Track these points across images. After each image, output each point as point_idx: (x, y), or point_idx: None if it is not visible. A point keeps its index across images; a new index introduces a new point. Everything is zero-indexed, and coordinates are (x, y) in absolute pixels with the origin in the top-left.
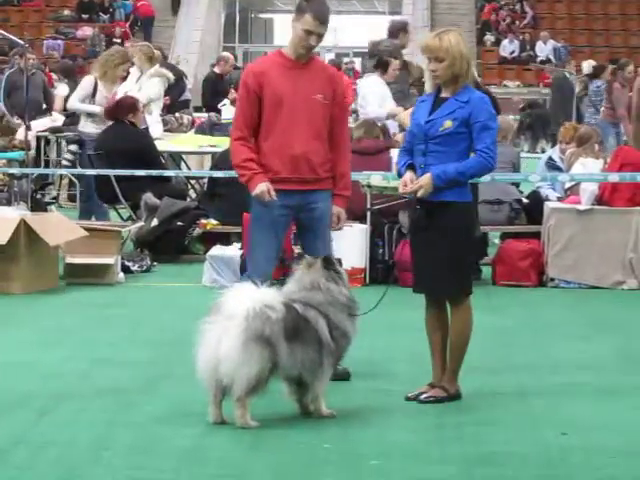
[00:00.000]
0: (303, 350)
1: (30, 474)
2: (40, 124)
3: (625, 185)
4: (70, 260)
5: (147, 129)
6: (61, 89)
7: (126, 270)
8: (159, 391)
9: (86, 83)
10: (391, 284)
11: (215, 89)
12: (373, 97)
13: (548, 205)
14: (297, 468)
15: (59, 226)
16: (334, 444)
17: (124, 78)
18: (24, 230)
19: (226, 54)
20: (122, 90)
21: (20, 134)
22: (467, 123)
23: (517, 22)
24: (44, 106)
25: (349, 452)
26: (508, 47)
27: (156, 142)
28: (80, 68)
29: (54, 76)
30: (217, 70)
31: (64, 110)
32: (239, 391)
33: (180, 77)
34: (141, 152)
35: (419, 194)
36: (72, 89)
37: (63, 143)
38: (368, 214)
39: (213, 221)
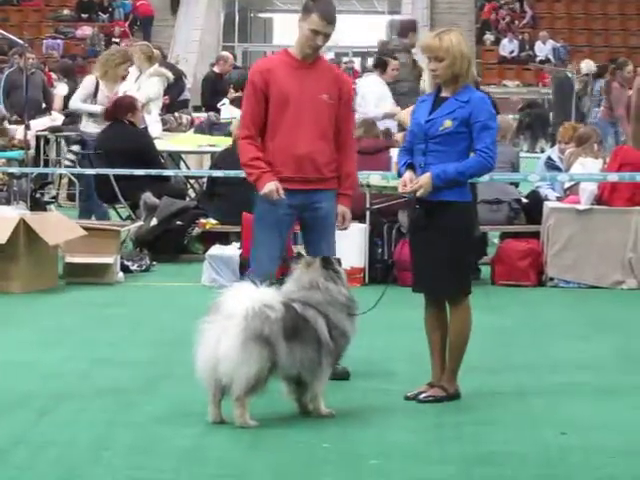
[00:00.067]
0: (302, 349)
1: (30, 474)
2: (39, 123)
3: (624, 185)
4: (69, 259)
5: (146, 128)
6: (60, 89)
7: (125, 269)
8: (159, 391)
9: (87, 83)
10: (390, 284)
11: (214, 89)
12: (371, 97)
13: (547, 205)
14: (296, 468)
15: (58, 225)
16: (333, 443)
17: (124, 77)
18: (23, 229)
19: (225, 53)
20: (121, 90)
21: (19, 133)
22: (467, 123)
23: (516, 22)
24: (43, 105)
25: (348, 452)
26: (507, 47)
27: (155, 141)
28: (79, 68)
29: (53, 76)
30: (216, 70)
31: (63, 110)
32: (238, 390)
33: (179, 76)
34: (140, 152)
35: (418, 194)
36: (71, 89)
37: (62, 142)
38: (367, 213)
39: (212, 220)
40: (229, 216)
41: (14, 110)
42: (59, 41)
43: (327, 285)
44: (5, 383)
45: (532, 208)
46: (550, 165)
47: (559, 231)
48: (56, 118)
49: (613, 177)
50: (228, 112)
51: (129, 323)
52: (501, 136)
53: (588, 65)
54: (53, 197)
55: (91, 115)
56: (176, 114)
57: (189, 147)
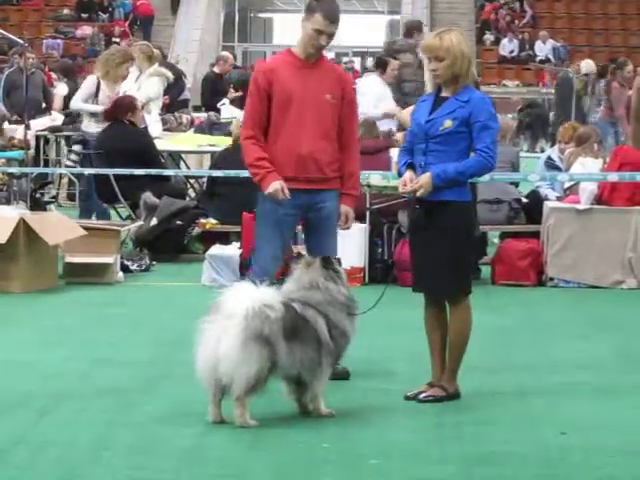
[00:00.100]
0: (302, 349)
1: (30, 474)
2: (39, 123)
3: (624, 185)
4: (69, 259)
5: (146, 128)
6: (60, 88)
7: (125, 269)
8: (159, 391)
9: (89, 83)
10: (390, 283)
11: (214, 88)
12: (370, 97)
13: (547, 205)
14: (296, 467)
15: (58, 225)
16: (333, 443)
17: (125, 77)
18: (23, 229)
19: (225, 53)
20: (121, 89)
21: (19, 133)
22: (467, 122)
23: (516, 21)
24: (43, 105)
25: (348, 451)
26: (507, 46)
27: (155, 141)
28: (79, 67)
29: (53, 75)
30: (216, 69)
31: (63, 109)
32: (238, 390)
33: (179, 76)
34: (140, 151)
35: (419, 193)
36: (71, 88)
37: (62, 142)
38: (367, 213)
39: (212, 220)
40: (229, 216)
41: (14, 110)
42: (59, 41)
43: (327, 285)
44: (5, 383)
45: (532, 208)
46: (550, 165)
47: (559, 231)
48: (56, 118)
49: (613, 177)
50: (228, 112)
51: (129, 323)
52: (501, 136)
53: (588, 65)
54: (53, 197)
55: (93, 115)
56: (176, 114)
57: (189, 147)
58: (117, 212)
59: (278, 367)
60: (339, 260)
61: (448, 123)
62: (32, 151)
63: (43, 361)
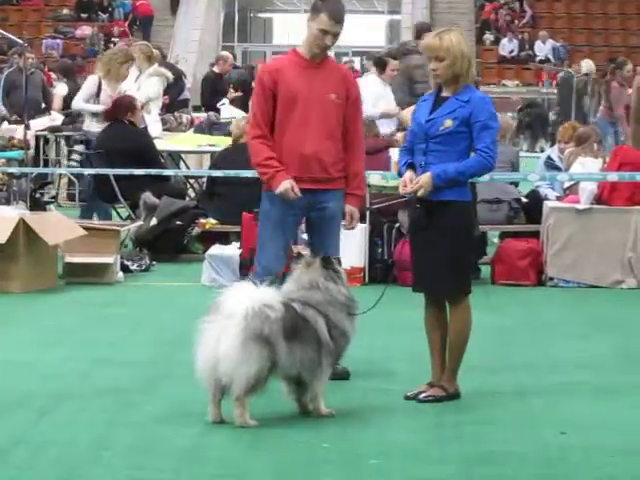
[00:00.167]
0: (302, 349)
1: (30, 474)
2: (39, 123)
3: (624, 184)
4: (69, 259)
5: (146, 128)
6: (60, 88)
7: (125, 269)
8: (159, 391)
9: (90, 83)
10: (390, 283)
11: (214, 88)
12: (369, 97)
13: (547, 204)
14: (296, 467)
15: (58, 225)
16: (333, 443)
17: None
18: (23, 229)
19: (225, 53)
20: (121, 89)
21: (19, 133)
22: (467, 122)
23: (516, 21)
24: (43, 105)
25: (348, 451)
26: (507, 46)
27: (155, 141)
28: (79, 67)
29: (53, 75)
30: (216, 69)
31: (63, 109)
32: (238, 390)
33: (179, 76)
34: (140, 151)
35: (419, 193)
36: (71, 88)
37: (62, 142)
38: (367, 213)
39: (212, 220)
40: (229, 216)
41: (14, 110)
42: (58, 41)
43: (327, 285)
44: (5, 383)
45: (532, 208)
46: (550, 165)
47: (559, 231)
48: (56, 118)
49: (613, 177)
50: (228, 112)
51: (129, 323)
52: (501, 136)
53: (588, 64)
54: (53, 197)
55: (94, 115)
56: (176, 114)
57: (189, 147)
58: (117, 212)
59: (278, 367)
60: (339, 260)
61: (448, 123)
62: (32, 151)
63: (43, 361)
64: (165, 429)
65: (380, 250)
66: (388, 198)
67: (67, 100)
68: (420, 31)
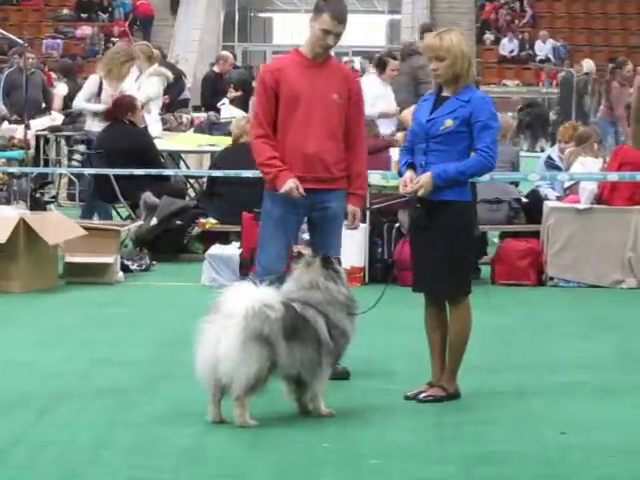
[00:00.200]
0: (302, 349)
1: (30, 474)
2: (39, 123)
3: (624, 184)
4: (69, 259)
5: (146, 128)
6: (60, 88)
7: (125, 269)
8: (159, 391)
9: (91, 82)
10: (390, 283)
11: (214, 88)
12: (368, 96)
13: (547, 204)
14: (296, 467)
15: (58, 225)
16: (333, 443)
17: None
18: (23, 229)
19: (225, 53)
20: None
21: (19, 133)
22: (468, 122)
23: (516, 21)
24: (43, 105)
25: (348, 451)
26: (507, 46)
27: (155, 141)
28: (79, 67)
29: (53, 75)
30: (216, 69)
31: (63, 109)
32: (238, 390)
33: (179, 76)
34: (140, 151)
35: (419, 193)
36: (71, 88)
37: (62, 142)
38: (367, 213)
39: (212, 220)
40: (229, 216)
41: (14, 110)
42: (59, 41)
43: (327, 285)
44: (5, 383)
45: (532, 207)
46: (550, 164)
47: (559, 230)
48: (56, 118)
49: (613, 176)
50: (228, 112)
51: (129, 323)
52: (501, 135)
53: (588, 64)
54: (53, 197)
55: (96, 115)
56: (176, 113)
57: (189, 147)
58: (117, 212)
59: (278, 367)
60: (339, 260)
61: (449, 123)
62: (32, 151)
63: (43, 361)
64: (165, 429)
65: (380, 250)
66: (388, 198)
67: (67, 100)
68: (425, 31)
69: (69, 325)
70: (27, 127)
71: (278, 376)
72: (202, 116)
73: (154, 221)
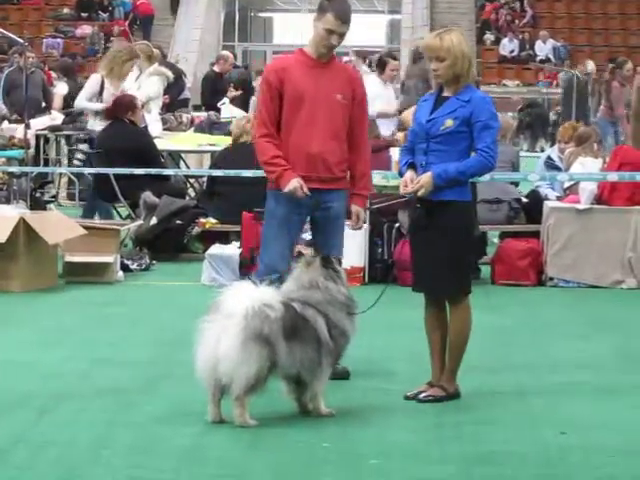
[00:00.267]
0: (302, 349)
1: (30, 474)
2: (39, 122)
3: (624, 184)
4: (69, 258)
5: (146, 127)
6: (60, 87)
7: (125, 269)
8: (159, 391)
9: (92, 82)
10: (390, 283)
11: (214, 88)
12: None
13: (547, 204)
14: (296, 467)
15: (58, 224)
16: (333, 443)
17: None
18: (23, 228)
19: (225, 53)
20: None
21: (19, 132)
22: (468, 122)
23: (517, 21)
24: (43, 104)
25: (348, 451)
26: (508, 46)
27: (155, 141)
28: (79, 67)
29: (53, 74)
30: (216, 69)
31: (63, 108)
32: (238, 390)
33: (179, 76)
34: (140, 150)
35: (419, 193)
36: (71, 88)
37: (62, 142)
38: (367, 213)
39: (212, 220)
40: (229, 215)
41: (14, 109)
42: (59, 40)
43: (327, 284)
44: (5, 383)
45: (532, 208)
46: (550, 165)
47: (559, 231)
48: (56, 117)
49: (613, 177)
50: (228, 111)
51: (129, 322)
52: (501, 135)
53: (591, 65)
54: (53, 196)
55: (97, 114)
56: (176, 113)
57: (189, 146)
58: (117, 211)
59: (278, 367)
60: (339, 260)
61: (449, 123)
62: (32, 150)
63: (43, 361)
64: (165, 429)
65: (380, 250)
66: (388, 198)
67: (67, 99)
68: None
69: (69, 325)
70: (27, 126)
71: (278, 376)
72: (202, 116)
73: (154, 221)
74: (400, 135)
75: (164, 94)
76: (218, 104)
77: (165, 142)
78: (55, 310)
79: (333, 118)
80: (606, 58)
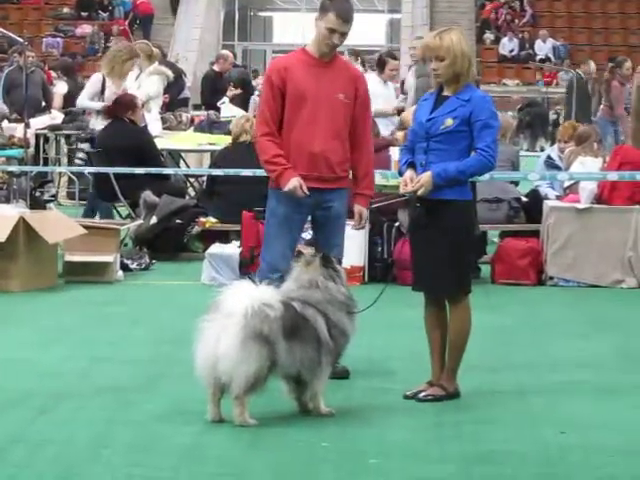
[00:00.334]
0: (302, 348)
1: (28, 472)
2: (39, 122)
3: (624, 184)
4: (69, 258)
5: (146, 127)
6: (60, 87)
7: (125, 268)
8: (158, 389)
9: (94, 81)
10: (390, 282)
11: (214, 87)
12: None
13: (547, 204)
14: (296, 466)
15: (58, 224)
16: (333, 442)
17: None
18: (23, 228)
19: (225, 52)
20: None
21: (19, 132)
22: (468, 121)
23: (516, 20)
24: (43, 104)
25: (348, 450)
26: (507, 45)
27: (155, 140)
28: (79, 66)
29: (53, 74)
30: (216, 68)
31: (63, 108)
32: (238, 389)
33: (179, 75)
34: (140, 150)
35: (419, 192)
36: (71, 87)
37: (62, 141)
38: (367, 212)
39: (212, 219)
40: (229, 214)
41: (14, 108)
42: (59, 39)
43: (327, 284)
44: (4, 381)
45: (532, 207)
46: (550, 164)
47: (559, 230)
48: (56, 116)
49: (613, 176)
50: (228, 110)
51: (129, 322)
52: (501, 135)
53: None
54: (53, 195)
55: (99, 113)
56: (176, 112)
57: (189, 145)
58: (117, 211)
59: (278, 366)
60: (339, 259)
61: (449, 122)
62: (32, 149)
63: (42, 360)
64: (164, 427)
65: (380, 249)
66: (388, 197)
67: (67, 98)
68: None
69: (69, 324)
70: (27, 126)
71: (278, 375)
72: (202, 115)
73: (154, 220)
74: (400, 134)
75: (164, 93)
76: (218, 103)
77: (165, 141)
78: (55, 309)
79: (335, 117)
80: (606, 57)
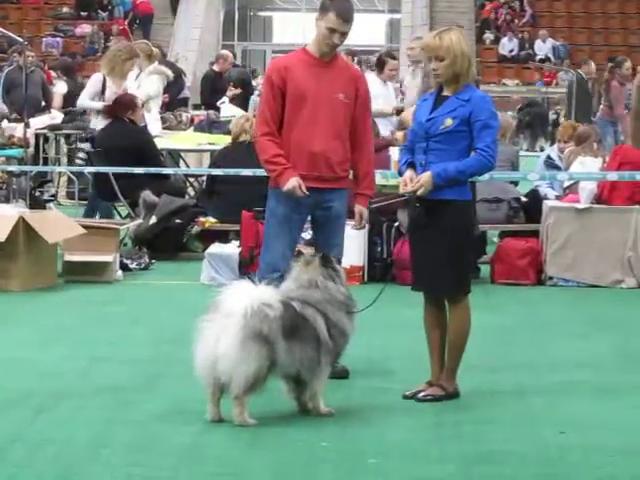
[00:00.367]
0: (301, 348)
1: (28, 472)
2: (39, 122)
3: (624, 184)
4: (69, 258)
5: (146, 126)
6: (60, 87)
7: (124, 268)
8: (158, 389)
9: (94, 81)
10: (389, 282)
11: (214, 87)
12: None
13: (547, 204)
14: (295, 466)
15: (58, 223)
16: (332, 442)
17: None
18: (23, 227)
19: (225, 52)
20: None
21: (19, 131)
22: (468, 121)
23: (516, 20)
24: (43, 103)
25: (347, 450)
26: (507, 45)
27: (155, 140)
28: (79, 66)
29: (53, 74)
30: (216, 68)
31: (63, 107)
32: (237, 389)
33: (179, 75)
34: (140, 149)
35: (419, 192)
36: (71, 87)
37: (62, 141)
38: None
39: (211, 219)
40: (228, 214)
41: (13, 108)
42: (58, 39)
43: (326, 284)
44: (4, 381)
45: (531, 207)
46: (549, 164)
47: (558, 230)
48: (55, 116)
49: (613, 176)
50: (228, 110)
51: (128, 321)
52: (501, 135)
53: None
54: (52, 195)
55: (99, 112)
56: (175, 112)
57: (189, 145)
58: (116, 210)
59: (277, 366)
60: (338, 259)
61: (448, 122)
62: (31, 149)
63: (42, 359)
64: (164, 427)
65: (379, 249)
66: (387, 197)
67: (67, 98)
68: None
69: (68, 323)
70: (27, 125)
71: (277, 375)
72: (202, 115)
73: (153, 220)
74: (399, 134)
75: (164, 93)
76: (217, 103)
77: (165, 141)
78: (54, 309)
79: (335, 117)
80: (606, 57)
